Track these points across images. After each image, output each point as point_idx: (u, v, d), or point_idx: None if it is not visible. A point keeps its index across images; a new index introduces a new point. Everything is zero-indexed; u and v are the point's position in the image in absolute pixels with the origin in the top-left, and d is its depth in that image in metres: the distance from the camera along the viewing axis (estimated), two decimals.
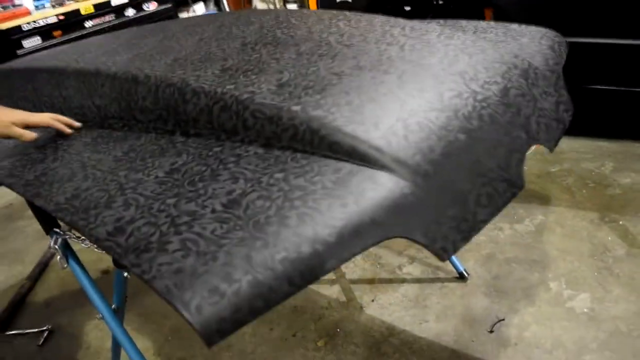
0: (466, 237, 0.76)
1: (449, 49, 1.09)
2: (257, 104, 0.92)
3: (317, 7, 2.83)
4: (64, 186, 0.92)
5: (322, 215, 0.70)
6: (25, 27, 3.54)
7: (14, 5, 3.68)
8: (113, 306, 1.37)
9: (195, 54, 1.24)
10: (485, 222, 0.80)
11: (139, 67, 1.20)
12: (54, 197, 0.90)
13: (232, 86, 0.99)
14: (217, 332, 0.59)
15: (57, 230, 1.30)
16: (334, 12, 1.48)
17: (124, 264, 0.70)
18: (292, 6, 6.73)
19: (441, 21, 1.51)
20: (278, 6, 6.47)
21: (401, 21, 1.29)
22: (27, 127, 1.19)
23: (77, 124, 1.24)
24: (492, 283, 1.87)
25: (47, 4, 3.76)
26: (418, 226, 0.73)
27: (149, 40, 1.51)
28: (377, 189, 0.75)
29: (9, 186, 1.06)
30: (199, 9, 5.51)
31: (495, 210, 0.83)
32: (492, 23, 1.45)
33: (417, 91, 0.93)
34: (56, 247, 1.27)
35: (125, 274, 1.33)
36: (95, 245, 0.93)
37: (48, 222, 1.29)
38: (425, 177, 0.78)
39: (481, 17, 2.62)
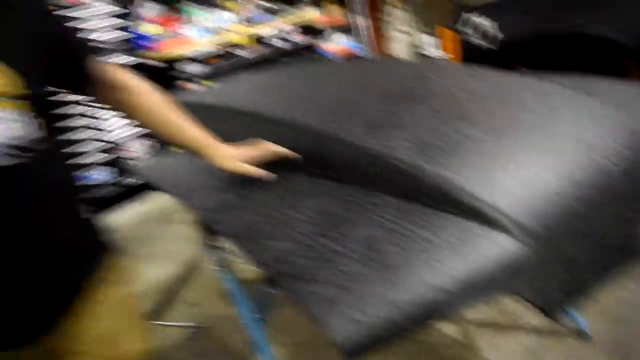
0: (575, 301, 0.86)
1: (575, 115, 1.17)
2: (394, 159, 1.07)
3: (462, 58, 2.93)
4: (239, 215, 1.14)
5: (445, 267, 0.84)
6: (189, 54, 4.04)
7: (179, 34, 4.19)
8: (257, 316, 1.59)
9: (341, 104, 1.42)
10: (596, 287, 0.88)
11: (291, 115, 1.40)
12: (229, 224, 1.12)
13: (373, 140, 1.16)
14: (352, 352, 0.76)
15: (217, 245, 1.55)
16: (467, 68, 1.61)
17: (281, 286, 0.89)
18: (429, 40, 6.85)
19: (572, 79, 1.57)
20: (413, 38, 6.63)
21: (531, 82, 1.38)
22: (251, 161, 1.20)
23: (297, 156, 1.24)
24: (616, 346, 1.80)
25: (207, 34, 4.24)
26: (528, 285, 0.84)
27: (298, 86, 1.73)
28: (494, 248, 0.87)
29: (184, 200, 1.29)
30: (340, 39, 5.83)
31: (607, 276, 0.91)
32: (624, 84, 1.48)
33: (539, 158, 1.03)
34: (215, 258, 1.52)
35: (272, 291, 1.54)
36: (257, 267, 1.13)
37: (212, 237, 1.55)
38: (539, 240, 0.88)
39: (620, 68, 2.57)
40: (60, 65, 0.99)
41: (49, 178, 0.95)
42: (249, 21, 4.55)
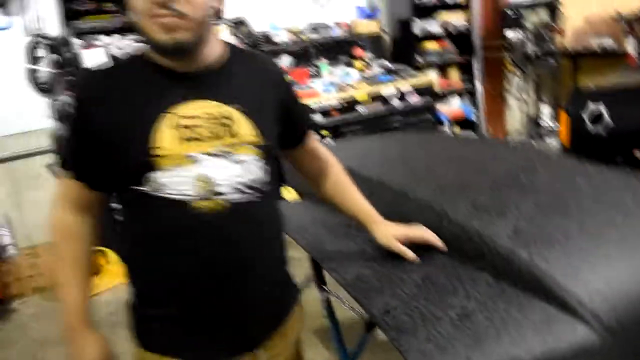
0: None
1: None
2: (494, 242, 1.26)
3: (570, 138, 3.03)
4: (353, 267, 1.37)
5: (527, 343, 1.00)
6: (313, 105, 4.42)
7: (308, 87, 4.60)
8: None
9: (454, 184, 1.62)
10: None
11: (410, 188, 1.62)
12: (347, 274, 1.34)
13: (477, 222, 1.34)
14: None
15: (325, 287, 1.78)
16: (573, 162, 1.74)
17: (386, 335, 1.09)
18: (546, 110, 6.83)
19: None
20: (530, 110, 6.64)
21: (633, 184, 1.50)
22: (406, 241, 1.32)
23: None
24: None
25: (333, 89, 4.61)
26: None
27: (419, 159, 1.95)
28: (572, 335, 1.01)
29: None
30: (455, 103, 6.02)
31: None
32: None
33: (627, 260, 1.16)
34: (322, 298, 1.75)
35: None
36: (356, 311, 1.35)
37: (321, 280, 1.79)
38: (614, 335, 1.02)
39: None
40: (287, 129, 1.28)
41: (270, 215, 1.23)
42: (372, 79, 4.88)
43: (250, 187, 1.13)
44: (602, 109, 2.87)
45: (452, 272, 1.26)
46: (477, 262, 1.26)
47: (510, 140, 6.46)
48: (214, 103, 1.11)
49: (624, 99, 2.91)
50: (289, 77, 1.33)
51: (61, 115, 3.75)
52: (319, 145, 1.41)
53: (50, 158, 3.90)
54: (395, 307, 1.15)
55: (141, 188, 1.07)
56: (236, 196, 1.11)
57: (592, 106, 2.93)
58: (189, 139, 1.07)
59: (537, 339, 1.01)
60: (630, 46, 5.61)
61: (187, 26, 1.03)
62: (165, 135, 1.06)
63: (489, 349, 0.99)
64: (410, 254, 1.30)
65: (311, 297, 1.73)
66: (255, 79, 1.21)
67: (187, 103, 1.08)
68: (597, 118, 2.89)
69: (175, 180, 1.06)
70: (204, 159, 1.08)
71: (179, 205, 1.07)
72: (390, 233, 1.33)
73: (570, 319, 1.04)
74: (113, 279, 3.71)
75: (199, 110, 1.09)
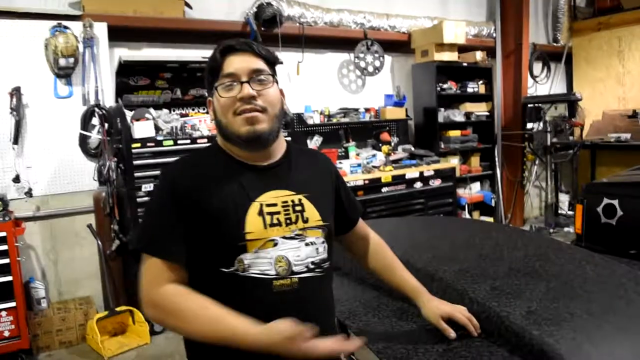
0: None
1: None
2: (510, 321, 1.41)
3: (582, 226, 3.19)
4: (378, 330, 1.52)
5: None
6: None
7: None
8: None
9: (475, 267, 1.79)
10: None
11: (434, 269, 1.79)
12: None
13: (495, 303, 1.50)
14: None
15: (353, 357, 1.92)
16: (586, 253, 1.91)
17: None
18: (564, 198, 7.00)
19: None
20: (548, 198, 6.81)
21: (635, 275, 1.66)
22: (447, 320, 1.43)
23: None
24: None
25: (359, 170, 4.86)
26: None
27: (441, 241, 2.13)
28: None
29: None
30: (475, 187, 6.23)
31: None
32: None
33: (624, 341, 1.31)
34: None
35: None
36: None
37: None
38: None
39: None
40: (341, 215, 1.49)
41: (327, 289, 1.39)
42: (396, 163, 5.14)
43: (317, 266, 1.30)
44: (615, 203, 3.05)
45: (472, 345, 1.41)
46: (494, 337, 1.41)
47: (527, 228, 6.58)
48: (288, 192, 1.30)
49: (636, 193, 3.09)
50: (337, 168, 1.55)
51: (105, 179, 4.03)
52: (368, 228, 1.59)
53: (90, 218, 4.16)
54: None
55: (230, 269, 1.22)
56: (306, 274, 1.28)
57: (605, 200, 3.12)
58: (271, 225, 1.26)
59: None
60: None
61: (265, 119, 1.26)
62: (254, 221, 1.24)
63: None
64: (452, 333, 1.41)
65: None
66: (313, 170, 1.42)
67: (267, 192, 1.28)
68: (610, 211, 3.07)
69: (258, 262, 1.23)
70: (282, 242, 1.26)
71: (261, 284, 1.23)
72: (437, 310, 1.45)
73: None
74: (139, 338, 3.84)
75: (277, 199, 1.29)
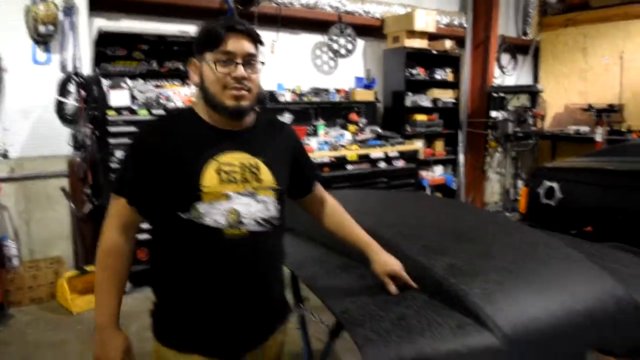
0: None
1: (572, 273, 1.68)
2: (432, 272, 1.65)
3: (526, 206, 3.49)
4: (328, 279, 1.75)
5: (444, 339, 1.38)
6: None
7: (305, 143, 5.05)
8: None
9: (412, 229, 2.03)
10: None
11: (379, 230, 2.02)
12: (320, 283, 1.72)
13: (424, 258, 1.74)
14: None
15: (302, 306, 2.15)
16: (516, 224, 2.17)
17: (345, 327, 1.47)
18: (520, 184, 7.33)
19: (597, 248, 2.07)
20: (507, 184, 7.14)
21: (555, 243, 1.91)
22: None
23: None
24: None
25: (326, 147, 5.08)
26: None
27: (389, 211, 2.37)
28: (479, 337, 1.39)
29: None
30: (438, 170, 6.51)
31: None
32: (635, 259, 1.96)
33: (530, 291, 1.56)
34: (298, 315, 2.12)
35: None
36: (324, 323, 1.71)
37: (298, 298, 2.16)
38: (511, 343, 1.39)
39: None
40: (299, 180, 1.68)
41: (278, 245, 1.60)
42: (363, 142, 5.37)
43: (266, 221, 1.50)
44: (555, 185, 3.34)
45: (402, 292, 1.65)
46: (420, 286, 1.65)
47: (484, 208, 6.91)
48: (247, 155, 1.49)
49: (574, 178, 3.39)
50: (299, 138, 1.76)
51: (80, 145, 4.17)
52: (325, 193, 1.79)
53: (63, 182, 4.29)
54: (352, 309, 1.54)
55: (187, 215, 1.42)
56: (255, 227, 1.48)
57: (547, 183, 3.40)
58: (227, 181, 1.45)
59: (450, 338, 1.39)
60: (598, 134, 6.19)
61: (249, 97, 1.46)
62: (210, 177, 1.43)
63: (413, 340, 1.38)
64: (393, 288, 1.60)
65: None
66: (275, 138, 1.61)
67: (226, 153, 1.47)
68: (550, 193, 3.36)
69: (212, 212, 1.43)
70: (235, 197, 1.46)
71: (212, 231, 1.43)
72: (385, 265, 1.63)
73: (479, 327, 1.43)
74: None
75: (237, 159, 1.48)
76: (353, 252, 1.82)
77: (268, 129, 1.62)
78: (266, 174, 1.51)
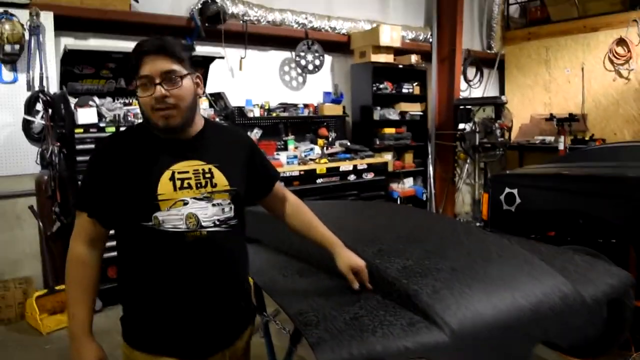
0: None
1: (520, 271, 1.76)
2: (386, 274, 1.71)
3: (488, 212, 3.59)
4: (284, 282, 1.80)
5: (395, 336, 1.44)
6: None
7: (274, 158, 5.11)
8: None
9: (369, 234, 2.10)
10: None
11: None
12: (273, 287, 1.77)
13: (379, 260, 1.81)
14: None
15: (265, 314, 2.20)
16: (470, 227, 2.25)
17: (300, 329, 1.52)
18: None
19: (546, 247, 2.16)
20: (477, 194, 7.28)
21: (507, 244, 1.99)
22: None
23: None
24: None
25: (295, 161, 5.15)
26: None
27: (351, 219, 2.43)
28: (428, 334, 1.46)
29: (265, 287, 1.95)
30: (408, 182, 6.62)
31: None
32: (585, 259, 2.05)
33: (479, 291, 1.63)
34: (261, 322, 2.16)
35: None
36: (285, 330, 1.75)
37: (261, 307, 2.20)
38: (459, 339, 1.46)
39: (625, 253, 3.10)
40: (257, 181, 1.73)
41: (236, 243, 1.64)
42: (332, 156, 5.45)
43: (222, 222, 1.56)
44: (515, 192, 3.46)
45: (356, 293, 1.71)
46: (375, 287, 1.71)
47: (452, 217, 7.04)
48: (200, 162, 1.56)
49: (532, 183, 3.51)
50: (253, 141, 1.81)
51: (47, 163, 4.16)
52: (287, 191, 1.84)
53: (32, 201, 4.27)
54: (307, 311, 1.59)
55: (148, 224, 1.48)
56: (213, 229, 1.54)
57: (507, 189, 3.52)
58: (181, 188, 1.52)
59: (402, 335, 1.45)
60: (560, 143, 6.39)
61: (177, 114, 1.50)
62: (165, 185, 1.50)
63: (365, 338, 1.43)
64: (356, 284, 1.68)
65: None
66: (227, 143, 1.67)
67: (180, 162, 1.53)
68: (510, 199, 3.48)
69: (171, 218, 1.49)
70: (192, 202, 1.52)
71: (173, 236, 1.50)
72: (349, 261, 1.70)
73: (429, 324, 1.49)
74: None
75: (190, 167, 1.54)
76: (314, 256, 1.88)
77: (217, 134, 1.67)
78: (219, 178, 1.57)
